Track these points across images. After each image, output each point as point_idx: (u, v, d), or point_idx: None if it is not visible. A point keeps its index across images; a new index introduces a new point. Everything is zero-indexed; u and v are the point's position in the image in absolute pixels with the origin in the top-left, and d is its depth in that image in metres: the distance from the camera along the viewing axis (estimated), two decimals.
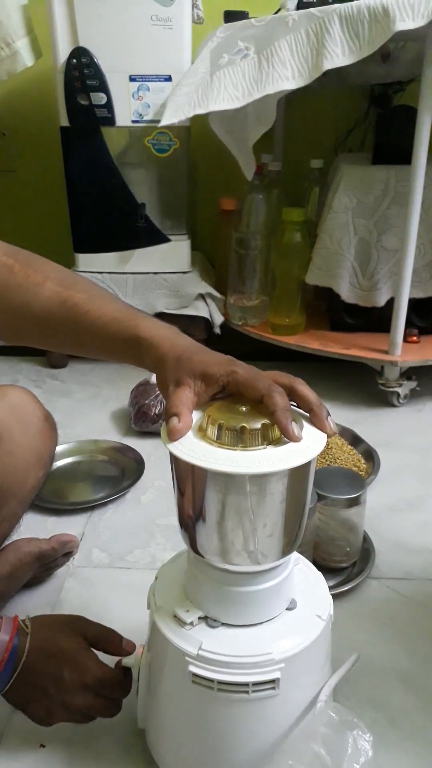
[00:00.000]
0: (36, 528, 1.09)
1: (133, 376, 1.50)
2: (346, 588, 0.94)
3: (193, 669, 0.58)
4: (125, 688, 0.68)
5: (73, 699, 0.65)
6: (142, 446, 1.34)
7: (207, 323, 1.71)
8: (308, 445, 0.54)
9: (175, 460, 0.55)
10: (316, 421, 0.57)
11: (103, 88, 1.52)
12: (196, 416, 0.57)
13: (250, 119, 1.47)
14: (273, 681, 0.58)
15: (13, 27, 1.48)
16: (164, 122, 1.41)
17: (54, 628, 0.67)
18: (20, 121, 1.88)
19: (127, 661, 0.67)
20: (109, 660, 0.68)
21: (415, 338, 1.56)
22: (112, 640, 0.69)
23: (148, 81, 1.52)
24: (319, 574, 0.68)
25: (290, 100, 1.67)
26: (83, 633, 0.68)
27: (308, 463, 0.54)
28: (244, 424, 0.53)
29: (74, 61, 1.49)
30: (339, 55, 1.21)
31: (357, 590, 0.95)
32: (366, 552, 1.01)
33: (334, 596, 0.68)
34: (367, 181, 1.48)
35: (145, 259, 1.68)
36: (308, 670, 0.62)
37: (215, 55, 1.38)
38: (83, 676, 0.65)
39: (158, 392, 1.31)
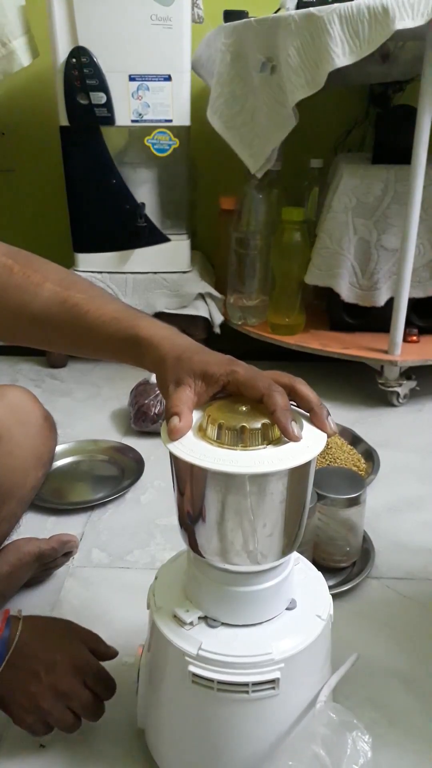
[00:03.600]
0: (36, 528, 1.09)
1: (133, 376, 1.50)
2: (346, 588, 0.94)
3: (193, 669, 0.58)
4: (110, 687, 0.69)
5: (62, 680, 0.65)
6: (142, 446, 1.34)
7: (207, 323, 1.71)
8: (308, 444, 0.54)
9: (174, 459, 0.55)
10: (316, 421, 0.57)
11: (103, 87, 1.52)
12: (196, 416, 0.57)
13: (268, 123, 1.45)
14: (273, 681, 0.58)
15: (10, 27, 1.48)
16: (255, 171, 1.48)
17: (47, 620, 0.72)
18: (20, 120, 1.88)
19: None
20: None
21: (414, 338, 1.56)
22: (99, 641, 0.71)
23: (148, 80, 1.52)
24: (319, 573, 0.68)
25: None
26: (75, 629, 0.71)
27: (308, 463, 0.54)
28: (244, 424, 0.53)
29: (74, 60, 1.49)
30: (340, 56, 1.21)
31: (357, 590, 0.95)
32: (366, 552, 1.01)
33: (334, 596, 0.68)
34: (367, 180, 1.48)
35: (144, 258, 1.68)
36: (308, 670, 0.62)
37: (242, 72, 1.39)
38: (74, 659, 0.67)
39: (158, 392, 1.31)
